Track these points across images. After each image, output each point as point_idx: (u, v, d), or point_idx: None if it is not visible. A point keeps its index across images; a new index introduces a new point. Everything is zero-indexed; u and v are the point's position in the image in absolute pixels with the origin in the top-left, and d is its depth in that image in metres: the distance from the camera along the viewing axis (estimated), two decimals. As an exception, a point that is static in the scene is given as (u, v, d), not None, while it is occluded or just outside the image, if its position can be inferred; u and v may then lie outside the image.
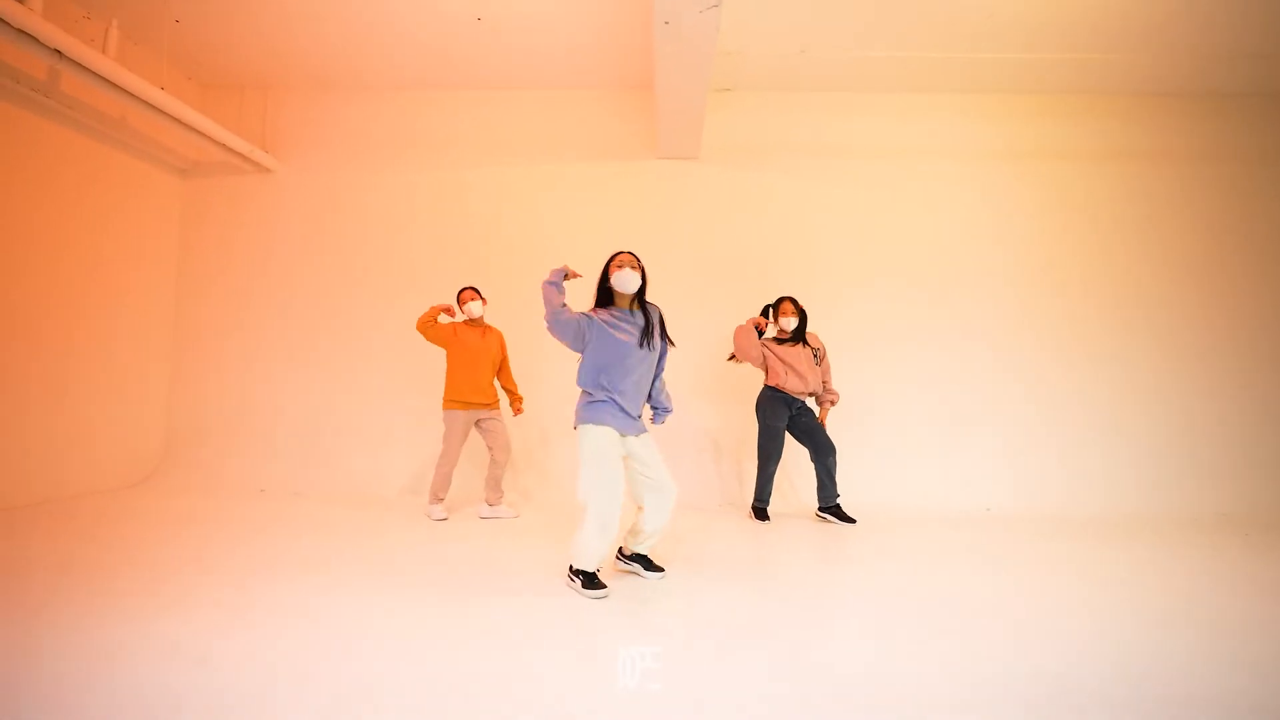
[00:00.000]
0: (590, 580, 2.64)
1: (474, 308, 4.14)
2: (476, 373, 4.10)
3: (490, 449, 4.17)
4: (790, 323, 4.23)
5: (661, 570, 2.90)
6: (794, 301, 4.28)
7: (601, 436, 2.66)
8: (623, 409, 2.73)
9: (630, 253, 2.84)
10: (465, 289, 4.19)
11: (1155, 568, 3.26)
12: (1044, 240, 5.24)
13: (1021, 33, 4.53)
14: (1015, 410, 5.09)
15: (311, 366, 5.30)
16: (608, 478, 2.62)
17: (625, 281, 2.76)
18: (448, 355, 4.14)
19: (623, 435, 2.73)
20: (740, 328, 4.27)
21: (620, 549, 2.99)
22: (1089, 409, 5.08)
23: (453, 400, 4.08)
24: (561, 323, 2.74)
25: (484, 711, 1.71)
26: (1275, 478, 4.91)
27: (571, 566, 2.71)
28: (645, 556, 2.92)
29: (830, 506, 4.20)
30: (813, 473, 4.31)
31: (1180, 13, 4.28)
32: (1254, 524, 4.34)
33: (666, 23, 3.52)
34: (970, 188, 5.30)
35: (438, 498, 4.10)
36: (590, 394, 2.76)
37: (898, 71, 5.07)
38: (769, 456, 4.23)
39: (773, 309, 4.33)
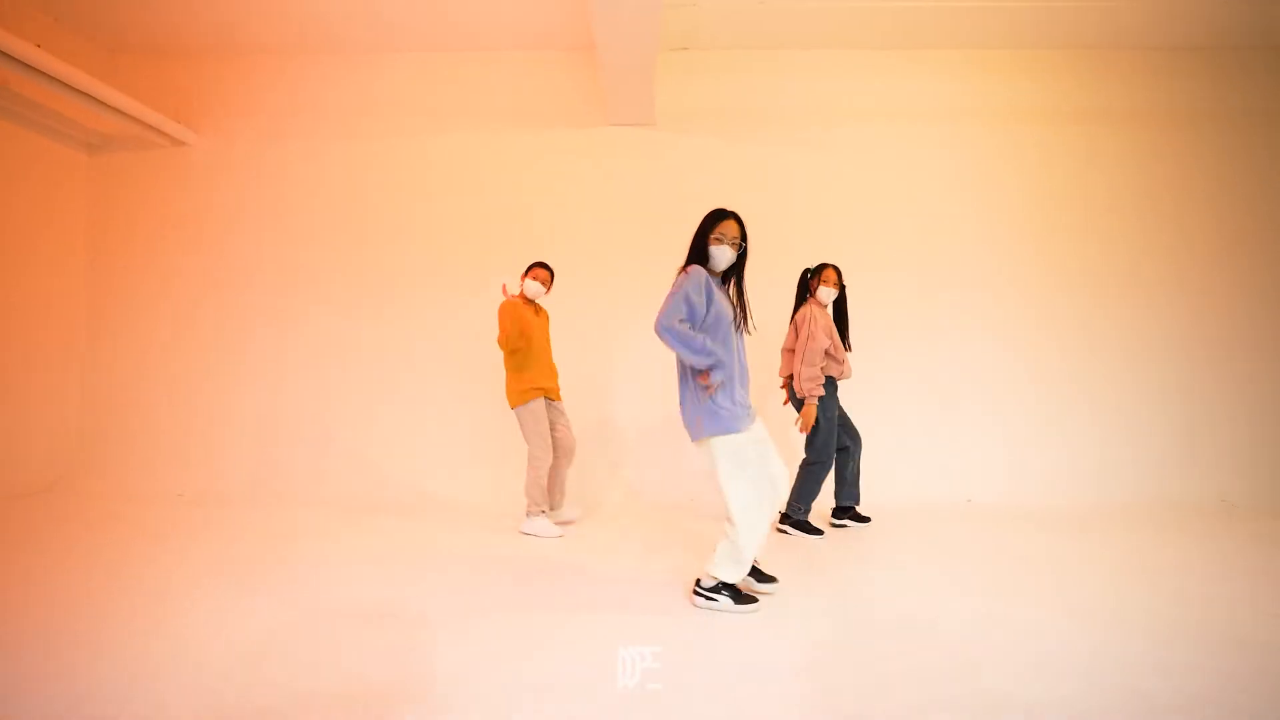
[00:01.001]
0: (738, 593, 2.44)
1: (532, 287, 3.63)
2: (542, 353, 3.64)
3: (556, 440, 3.68)
4: (830, 294, 3.59)
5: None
6: (837, 270, 3.65)
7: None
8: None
9: (735, 218, 2.47)
10: (541, 266, 3.68)
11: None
12: (1034, 209, 4.87)
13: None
14: (1006, 395, 4.77)
15: (239, 357, 4.88)
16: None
17: (718, 258, 2.46)
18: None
19: None
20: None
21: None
22: (1082, 393, 4.76)
23: (531, 389, 3.54)
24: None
25: (484, 711, 1.71)
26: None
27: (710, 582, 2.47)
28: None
29: (849, 507, 3.80)
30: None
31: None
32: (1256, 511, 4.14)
33: (597, -34, 3.11)
34: (954, 152, 4.91)
35: (540, 508, 3.56)
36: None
37: (870, 25, 4.66)
38: (829, 458, 3.59)
39: (813, 275, 3.67)
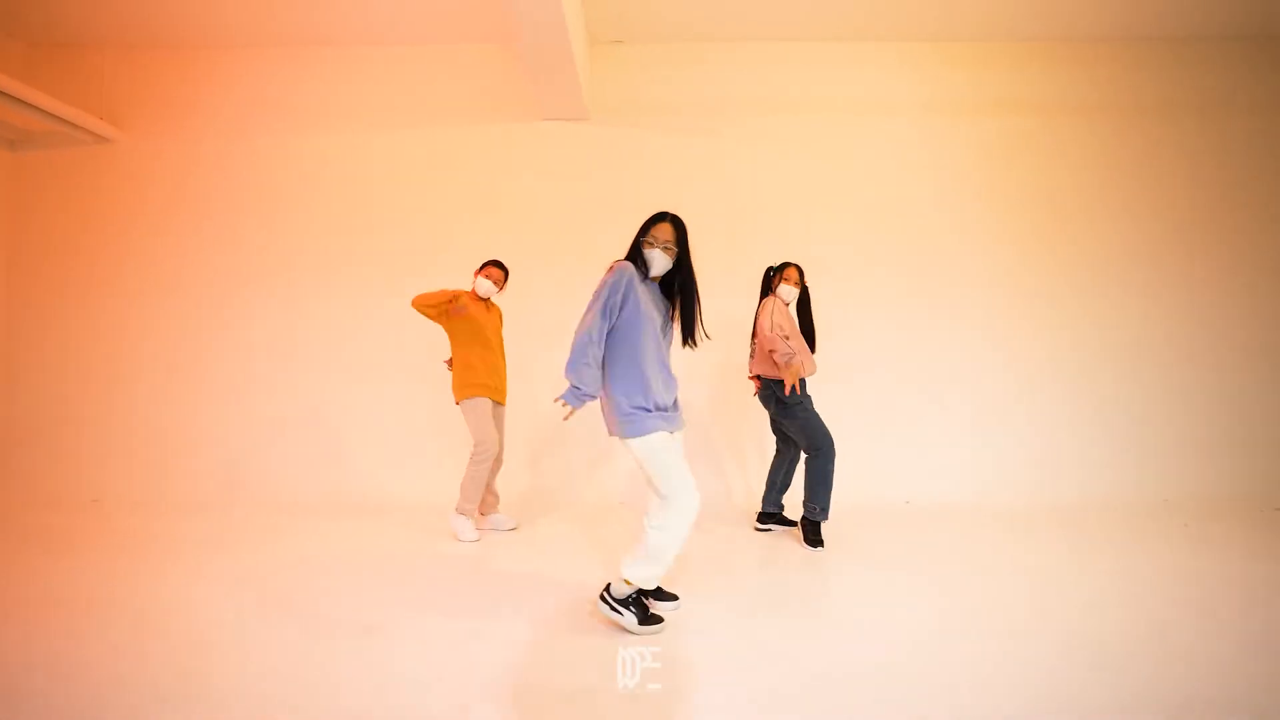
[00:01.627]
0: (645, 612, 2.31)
1: (484, 285, 3.56)
2: (487, 351, 3.53)
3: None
4: (791, 292, 3.53)
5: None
6: (799, 269, 3.59)
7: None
8: None
9: (670, 220, 2.37)
10: (495, 265, 3.62)
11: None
12: (979, 203, 4.78)
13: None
14: (949, 395, 4.69)
15: (159, 360, 4.77)
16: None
17: (653, 263, 2.36)
18: (451, 334, 3.54)
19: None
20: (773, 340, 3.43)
21: None
22: (1026, 393, 4.69)
23: (475, 384, 3.48)
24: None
25: (484, 712, 1.73)
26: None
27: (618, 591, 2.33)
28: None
29: (774, 513, 3.73)
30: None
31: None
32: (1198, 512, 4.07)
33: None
34: (901, 145, 4.82)
35: (471, 506, 3.46)
36: None
37: (797, 18, 4.58)
38: (829, 446, 3.42)
39: (776, 273, 3.61)
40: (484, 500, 3.69)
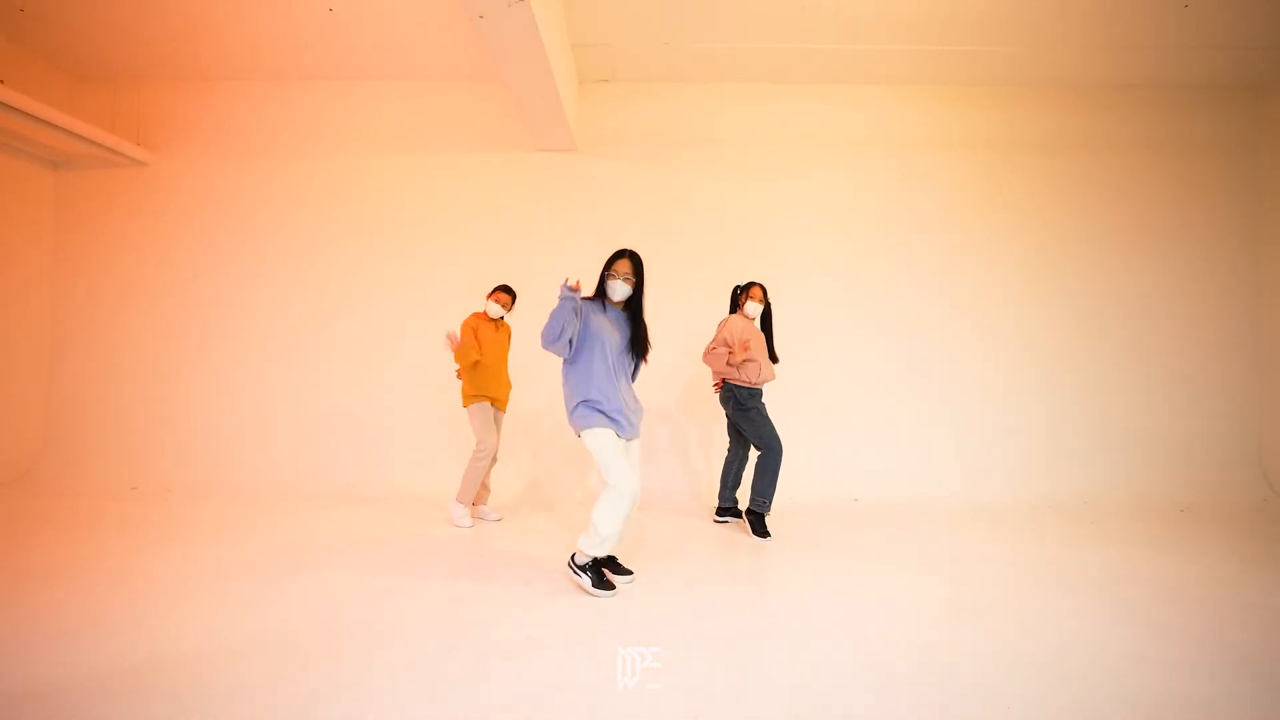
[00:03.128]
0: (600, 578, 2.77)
1: (493, 308, 4.03)
2: (494, 365, 4.01)
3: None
4: (755, 308, 3.97)
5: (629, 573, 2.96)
6: (762, 289, 4.03)
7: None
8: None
9: (629, 257, 2.86)
10: (505, 290, 4.10)
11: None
12: (926, 227, 5.25)
13: (882, 27, 4.51)
14: (896, 396, 5.15)
15: (193, 361, 5.28)
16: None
17: (613, 291, 2.87)
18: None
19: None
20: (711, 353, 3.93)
21: None
22: (961, 393, 5.14)
23: (478, 394, 3.94)
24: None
25: (484, 712, 1.74)
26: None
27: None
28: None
29: (729, 507, 4.16)
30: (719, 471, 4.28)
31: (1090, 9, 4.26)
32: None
33: (481, 17, 3.47)
34: (851, 175, 5.30)
35: (470, 499, 3.96)
36: None
37: (789, 63, 5.02)
38: (776, 444, 3.84)
39: (742, 292, 4.05)
40: (477, 493, 4.12)
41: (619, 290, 2.85)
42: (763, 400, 3.98)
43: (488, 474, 4.12)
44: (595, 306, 2.88)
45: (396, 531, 3.78)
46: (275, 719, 1.75)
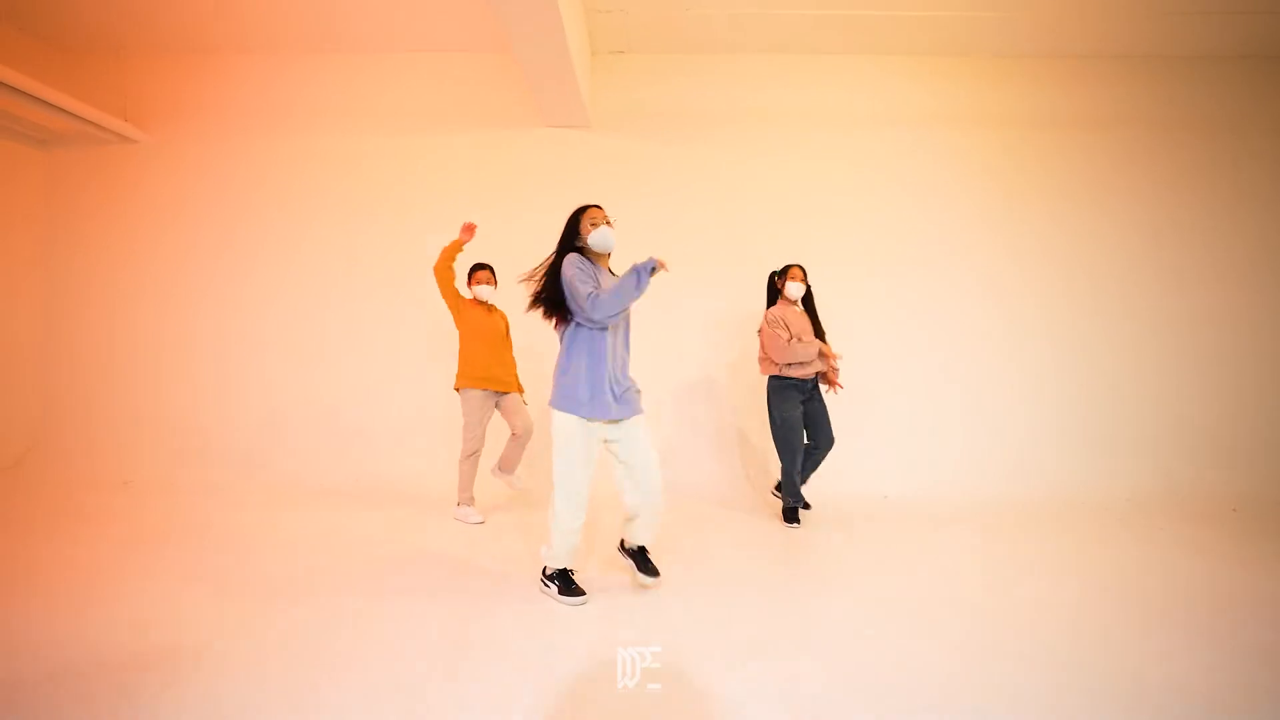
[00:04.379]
0: (566, 584, 2.58)
1: (483, 291, 3.81)
2: (490, 346, 3.77)
3: (511, 425, 3.81)
4: (797, 289, 3.76)
5: (655, 574, 2.68)
6: (802, 270, 3.82)
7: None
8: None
9: (599, 206, 2.63)
10: (480, 268, 3.85)
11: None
12: (955, 208, 4.94)
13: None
14: (927, 391, 4.87)
15: (187, 347, 5.05)
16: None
17: (604, 240, 2.56)
18: (460, 331, 3.80)
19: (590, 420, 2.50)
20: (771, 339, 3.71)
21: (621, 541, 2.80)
22: (1004, 389, 4.85)
23: (468, 376, 3.72)
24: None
25: (484, 712, 1.74)
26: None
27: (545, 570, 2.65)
28: (642, 550, 2.70)
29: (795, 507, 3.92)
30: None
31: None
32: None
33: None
34: (894, 153, 4.97)
35: (467, 494, 3.77)
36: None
37: (809, 31, 4.69)
38: (790, 453, 3.76)
39: (779, 276, 3.86)
40: (503, 461, 3.86)
41: (606, 238, 2.55)
42: (797, 399, 3.75)
43: (518, 450, 3.85)
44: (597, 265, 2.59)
45: (397, 527, 3.60)
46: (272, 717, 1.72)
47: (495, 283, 3.89)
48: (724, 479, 4.71)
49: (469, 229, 3.76)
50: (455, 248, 3.74)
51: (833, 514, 3.99)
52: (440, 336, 4.62)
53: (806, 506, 3.89)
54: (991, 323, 4.89)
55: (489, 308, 3.90)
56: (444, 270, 3.71)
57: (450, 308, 3.77)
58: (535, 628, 2.29)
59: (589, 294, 2.38)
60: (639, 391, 2.64)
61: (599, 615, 2.41)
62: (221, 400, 5.00)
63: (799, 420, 3.75)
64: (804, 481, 3.90)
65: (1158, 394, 4.83)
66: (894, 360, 4.86)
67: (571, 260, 2.49)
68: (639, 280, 2.34)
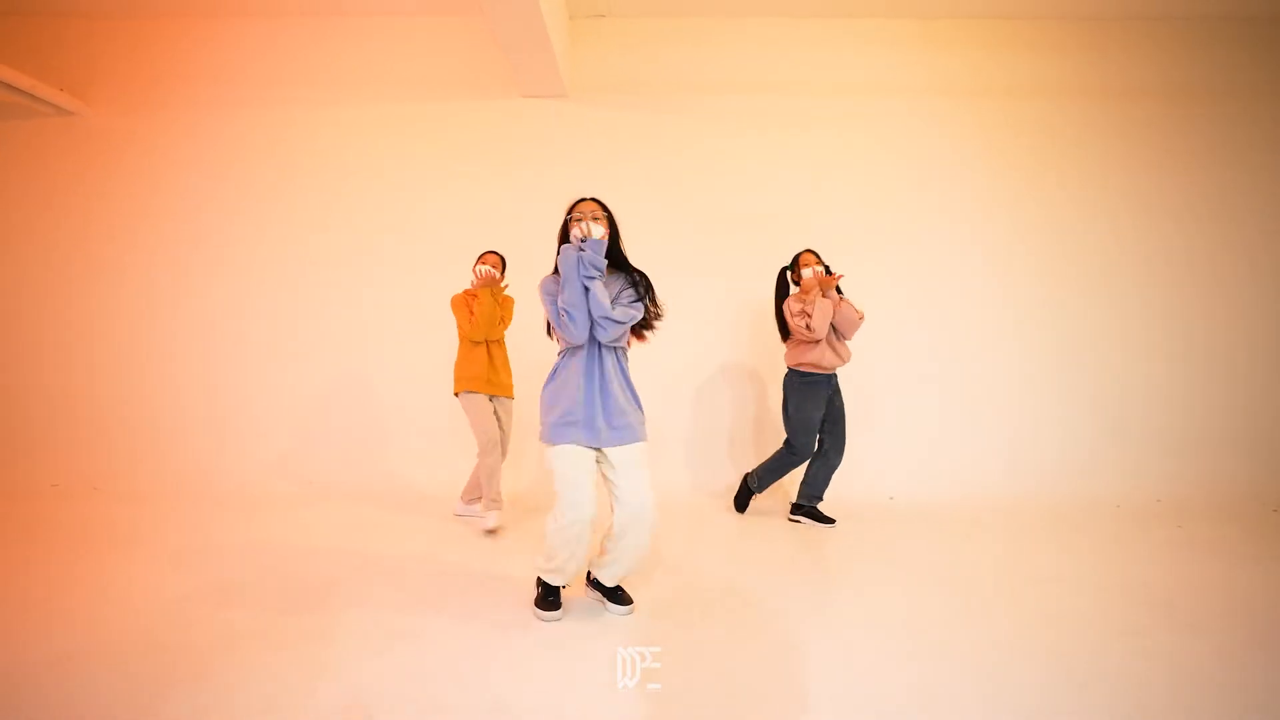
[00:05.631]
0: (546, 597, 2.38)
1: (482, 271, 3.47)
2: (488, 352, 3.50)
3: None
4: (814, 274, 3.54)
5: (628, 604, 2.43)
6: (815, 254, 3.59)
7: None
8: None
9: (594, 200, 2.35)
10: (487, 253, 3.56)
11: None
12: (982, 195, 4.65)
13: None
14: (930, 391, 4.60)
15: (118, 340, 4.66)
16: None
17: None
18: (459, 329, 3.51)
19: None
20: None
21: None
22: (1009, 388, 4.60)
23: (464, 377, 3.45)
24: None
25: (483, 711, 1.72)
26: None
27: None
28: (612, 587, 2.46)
29: (811, 506, 3.69)
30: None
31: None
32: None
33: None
34: (890, 127, 4.67)
35: (490, 501, 3.41)
36: None
37: None
38: (803, 451, 3.60)
39: (792, 268, 3.66)
40: (469, 487, 3.65)
41: (595, 233, 2.28)
42: (820, 397, 3.55)
43: (487, 470, 3.52)
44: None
45: (398, 524, 3.48)
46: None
47: (501, 267, 3.57)
48: (723, 477, 4.48)
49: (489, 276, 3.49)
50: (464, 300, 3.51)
51: (840, 515, 3.75)
52: (418, 321, 4.34)
53: (830, 521, 3.61)
54: (1001, 320, 4.61)
55: (492, 294, 3.50)
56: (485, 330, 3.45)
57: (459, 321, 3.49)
58: (535, 627, 2.26)
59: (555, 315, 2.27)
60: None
61: (599, 615, 2.38)
62: (166, 398, 4.62)
63: (817, 422, 3.57)
64: (819, 496, 3.68)
65: (1171, 391, 4.57)
66: (897, 356, 4.59)
67: (544, 282, 2.36)
68: (576, 267, 2.23)
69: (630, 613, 2.39)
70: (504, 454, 3.58)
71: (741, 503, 3.80)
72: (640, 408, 2.37)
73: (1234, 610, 2.48)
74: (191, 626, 2.21)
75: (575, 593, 2.52)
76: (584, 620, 2.33)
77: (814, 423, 3.56)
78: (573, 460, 2.22)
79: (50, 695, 1.78)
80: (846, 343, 3.58)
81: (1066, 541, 3.38)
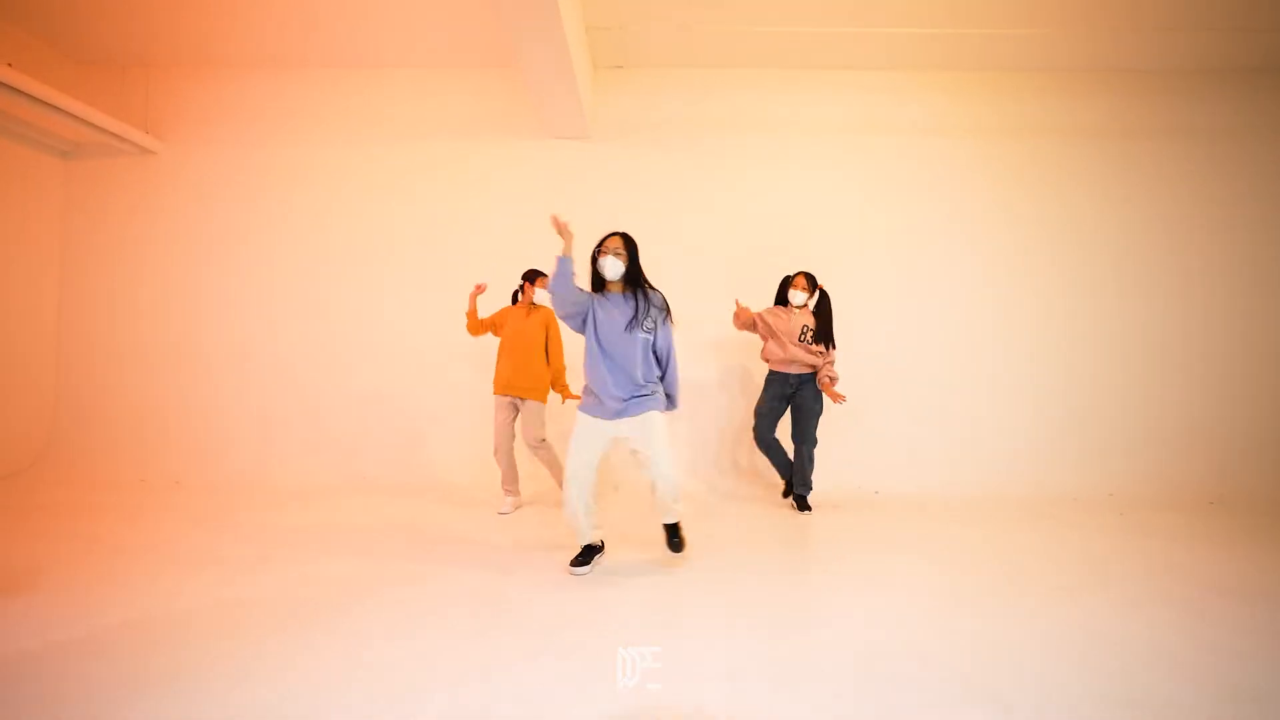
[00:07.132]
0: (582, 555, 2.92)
1: (538, 295, 4.10)
2: (513, 358, 3.99)
3: (520, 431, 4.06)
4: (798, 297, 4.10)
5: (679, 550, 2.99)
6: (808, 276, 4.16)
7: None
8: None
9: (619, 235, 2.87)
10: (539, 275, 4.08)
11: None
12: (967, 214, 5.15)
13: (905, 9, 4.42)
14: (913, 389, 5.06)
15: (200, 351, 5.22)
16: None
17: (605, 269, 2.84)
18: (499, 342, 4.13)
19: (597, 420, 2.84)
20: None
21: None
22: (988, 386, 5.05)
23: (495, 383, 4.05)
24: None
25: (482, 711, 1.74)
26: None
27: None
28: (671, 527, 2.98)
29: (797, 495, 4.12)
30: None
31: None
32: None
33: (499, -3, 3.40)
34: (887, 163, 5.20)
35: (505, 489, 4.08)
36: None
37: (805, 48, 4.92)
38: (765, 441, 4.16)
39: (788, 281, 4.22)
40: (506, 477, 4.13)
41: (611, 267, 2.79)
42: (796, 390, 4.06)
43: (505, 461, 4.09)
44: (597, 299, 2.88)
45: (398, 523, 3.73)
46: (268, 711, 1.76)
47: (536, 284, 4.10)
48: (721, 476, 4.89)
49: (479, 288, 4.12)
50: (472, 310, 4.12)
51: (828, 509, 4.15)
52: (452, 339, 4.85)
53: (806, 509, 4.06)
54: (977, 321, 5.10)
55: (529, 310, 4.06)
56: (472, 329, 4.12)
57: (490, 332, 4.13)
58: (535, 627, 2.29)
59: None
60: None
61: (599, 615, 2.41)
62: (234, 401, 5.16)
63: (770, 411, 4.12)
64: (801, 484, 4.09)
65: (1128, 395, 5.02)
66: (882, 358, 5.05)
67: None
68: (560, 272, 2.77)
69: (679, 553, 2.96)
70: (516, 447, 4.10)
71: (802, 504, 4.10)
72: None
73: (1154, 573, 2.90)
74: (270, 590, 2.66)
75: (576, 592, 2.63)
76: (584, 620, 2.35)
77: (765, 411, 4.11)
78: (588, 432, 2.85)
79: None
80: (805, 354, 4.03)
81: (1031, 526, 3.79)
